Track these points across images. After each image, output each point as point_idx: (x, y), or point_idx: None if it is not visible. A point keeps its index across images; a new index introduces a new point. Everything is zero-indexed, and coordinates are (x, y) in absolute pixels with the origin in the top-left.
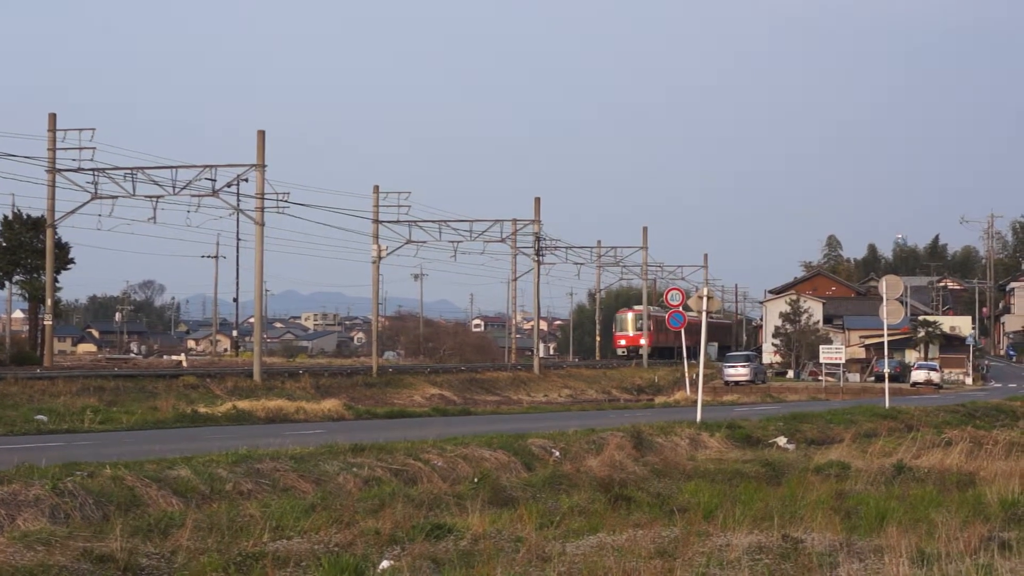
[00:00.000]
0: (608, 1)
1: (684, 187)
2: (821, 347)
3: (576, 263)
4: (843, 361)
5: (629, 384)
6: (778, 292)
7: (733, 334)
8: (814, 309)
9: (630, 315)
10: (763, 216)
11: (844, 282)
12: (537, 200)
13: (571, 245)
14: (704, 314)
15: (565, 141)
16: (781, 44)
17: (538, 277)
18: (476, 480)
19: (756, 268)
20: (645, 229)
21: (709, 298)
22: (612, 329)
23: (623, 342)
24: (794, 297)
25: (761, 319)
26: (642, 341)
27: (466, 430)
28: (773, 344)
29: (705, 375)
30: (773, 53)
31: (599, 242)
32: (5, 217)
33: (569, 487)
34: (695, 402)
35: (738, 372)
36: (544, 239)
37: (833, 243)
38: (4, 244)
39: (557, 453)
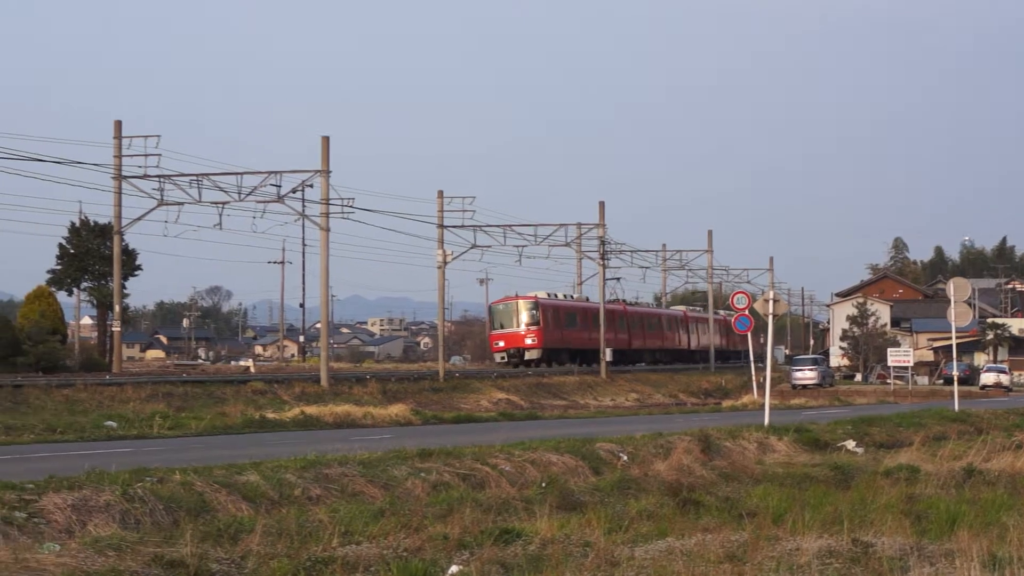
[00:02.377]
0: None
1: (751, 189)
2: (889, 350)
3: (641, 267)
4: (911, 364)
5: (696, 388)
6: (845, 295)
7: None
8: (881, 312)
9: (522, 304)
10: (829, 219)
11: (911, 284)
12: (602, 204)
13: (636, 249)
14: (771, 317)
15: (630, 143)
16: (832, 40)
17: (603, 281)
18: (544, 484)
19: (822, 271)
20: (710, 232)
21: (775, 301)
22: (488, 325)
23: (501, 343)
24: (861, 300)
25: (828, 322)
26: (529, 340)
27: (533, 434)
28: (840, 347)
29: (772, 379)
30: (817, 49)
31: (664, 245)
32: (72, 224)
33: (637, 491)
34: (763, 406)
35: (806, 375)
36: (609, 243)
37: (899, 245)
38: (72, 251)
39: (625, 457)
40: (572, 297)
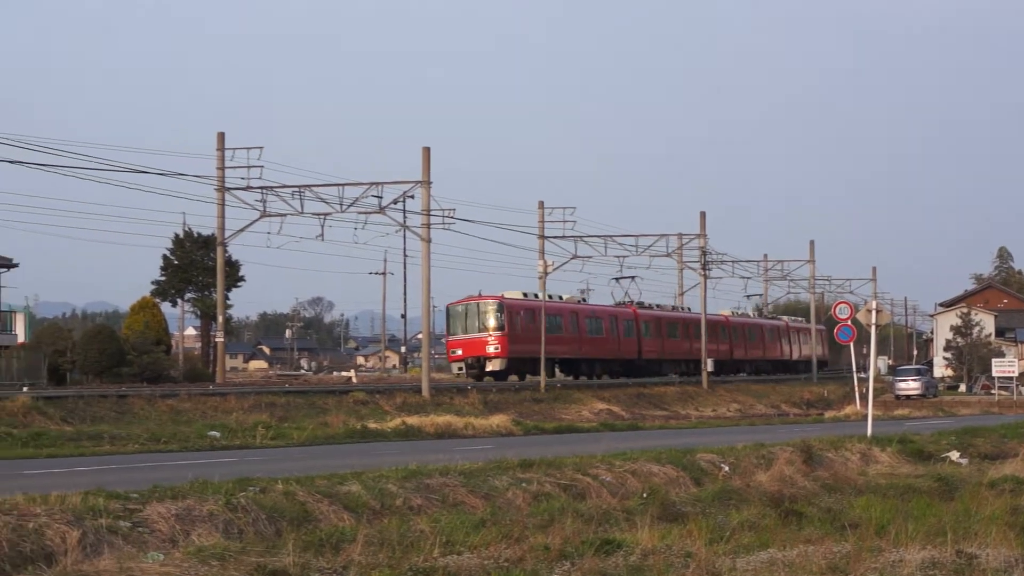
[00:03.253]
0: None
1: (852, 198)
2: (993, 360)
3: (743, 277)
4: (1016, 374)
5: (798, 399)
6: (948, 305)
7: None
8: (986, 322)
9: (483, 306)
10: (932, 228)
11: (1016, 294)
12: (702, 214)
13: (737, 259)
14: (873, 327)
15: (731, 155)
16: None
17: (704, 291)
18: (645, 495)
19: (925, 281)
20: (812, 243)
21: (878, 311)
22: (446, 330)
23: (459, 351)
24: (965, 310)
25: (931, 332)
26: (492, 348)
27: (634, 445)
28: (944, 358)
29: (875, 389)
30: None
31: (765, 256)
32: (176, 235)
33: (739, 502)
34: (865, 416)
35: (909, 386)
36: (710, 253)
37: (1004, 255)
38: (176, 262)
39: (726, 468)
40: (562, 298)
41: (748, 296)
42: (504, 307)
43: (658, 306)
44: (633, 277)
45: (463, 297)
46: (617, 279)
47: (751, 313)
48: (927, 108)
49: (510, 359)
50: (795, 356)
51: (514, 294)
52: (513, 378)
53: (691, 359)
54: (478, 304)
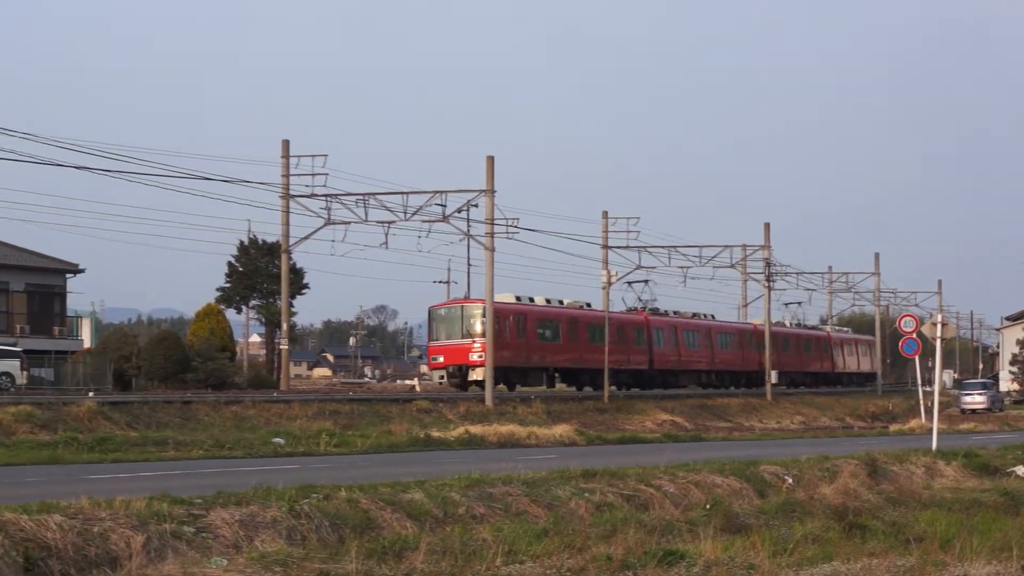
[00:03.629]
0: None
1: (918, 211)
2: None
3: (807, 289)
4: None
5: (863, 411)
6: (1015, 318)
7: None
8: None
9: (469, 309)
10: (998, 241)
11: None
12: (767, 225)
13: (801, 271)
14: (938, 341)
15: (794, 161)
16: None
17: (768, 303)
18: (708, 506)
19: (991, 294)
20: (877, 255)
21: (943, 325)
22: (428, 335)
23: (440, 358)
24: None
25: (997, 346)
26: (475, 356)
27: (697, 456)
28: (1010, 371)
29: (940, 403)
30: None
31: (830, 268)
32: (241, 243)
33: (802, 514)
34: (930, 430)
35: (974, 400)
36: (774, 264)
37: None
38: (241, 269)
39: (790, 480)
40: (562, 303)
41: (787, 304)
42: (500, 314)
43: (675, 312)
44: (647, 281)
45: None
46: (630, 283)
47: (787, 323)
48: (1000, 115)
49: (496, 368)
50: (843, 368)
51: (505, 297)
52: (502, 388)
53: (714, 370)
54: (462, 308)
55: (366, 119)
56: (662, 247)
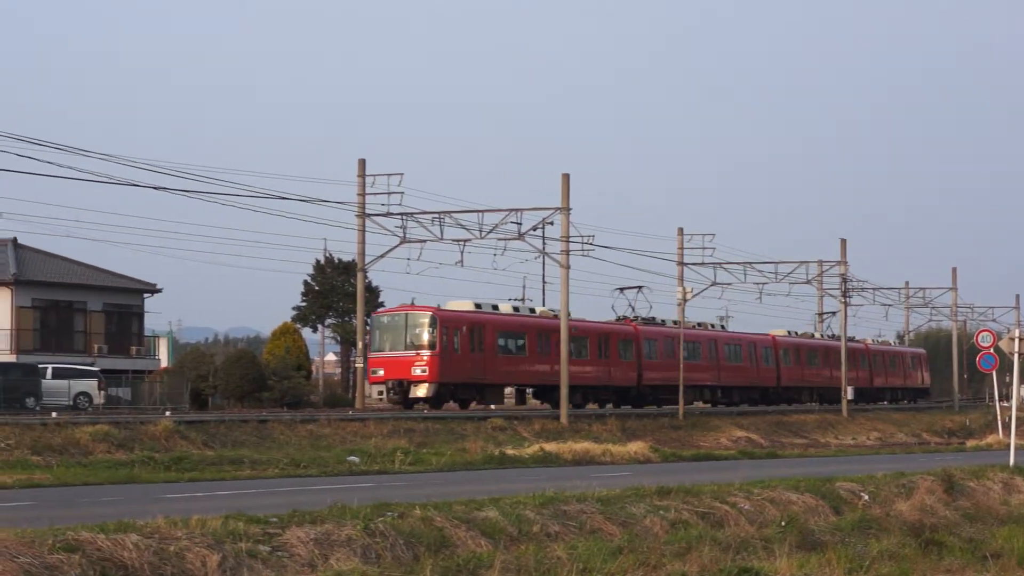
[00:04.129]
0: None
1: (996, 225)
2: None
3: (883, 304)
4: None
5: (939, 427)
6: None
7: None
8: None
9: (412, 318)
10: None
11: None
12: (843, 241)
13: (878, 287)
14: (1016, 356)
15: (870, 177)
16: None
17: (845, 319)
18: (783, 523)
19: None
20: (954, 270)
21: (1021, 339)
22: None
23: (380, 371)
24: None
25: None
26: (419, 370)
27: (773, 473)
28: None
29: (1018, 418)
30: None
31: (907, 283)
32: (317, 261)
33: (878, 531)
34: (1008, 445)
35: None
36: (850, 280)
37: None
38: (317, 288)
39: (866, 497)
40: (534, 312)
41: (820, 315)
42: (438, 321)
43: (675, 322)
44: (640, 288)
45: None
46: (621, 289)
47: (815, 334)
48: None
49: (441, 384)
50: (885, 383)
51: (461, 304)
52: (452, 404)
53: (720, 385)
54: (406, 316)
55: (442, 137)
56: (738, 263)
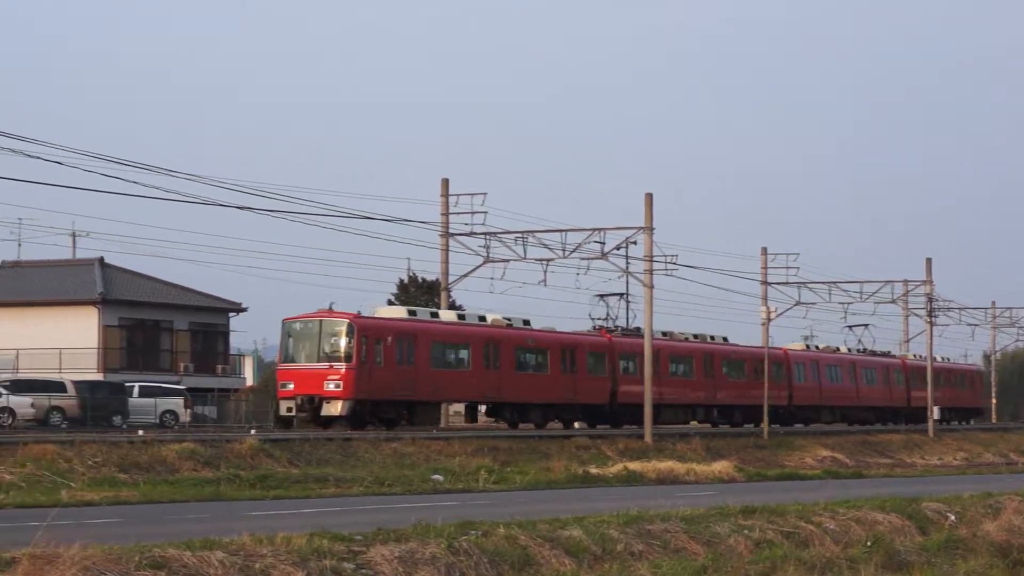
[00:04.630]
0: None
1: None
2: None
3: (970, 324)
4: None
5: None
6: None
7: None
8: None
9: (327, 325)
10: None
11: None
12: (928, 261)
13: (964, 306)
14: None
15: (957, 197)
16: None
17: (931, 339)
18: (869, 544)
19: None
20: None
21: None
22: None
23: (291, 385)
24: None
25: None
26: (332, 385)
27: (858, 493)
28: None
29: None
30: None
31: (993, 303)
32: (401, 281)
33: (965, 552)
34: None
35: None
36: (937, 300)
37: None
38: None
39: (952, 517)
40: (485, 319)
41: (850, 327)
42: (356, 329)
43: (665, 334)
44: (623, 295)
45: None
46: (602, 296)
47: (843, 348)
48: None
49: (358, 401)
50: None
51: (391, 311)
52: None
53: (715, 404)
54: (320, 323)
55: (525, 156)
56: (822, 283)
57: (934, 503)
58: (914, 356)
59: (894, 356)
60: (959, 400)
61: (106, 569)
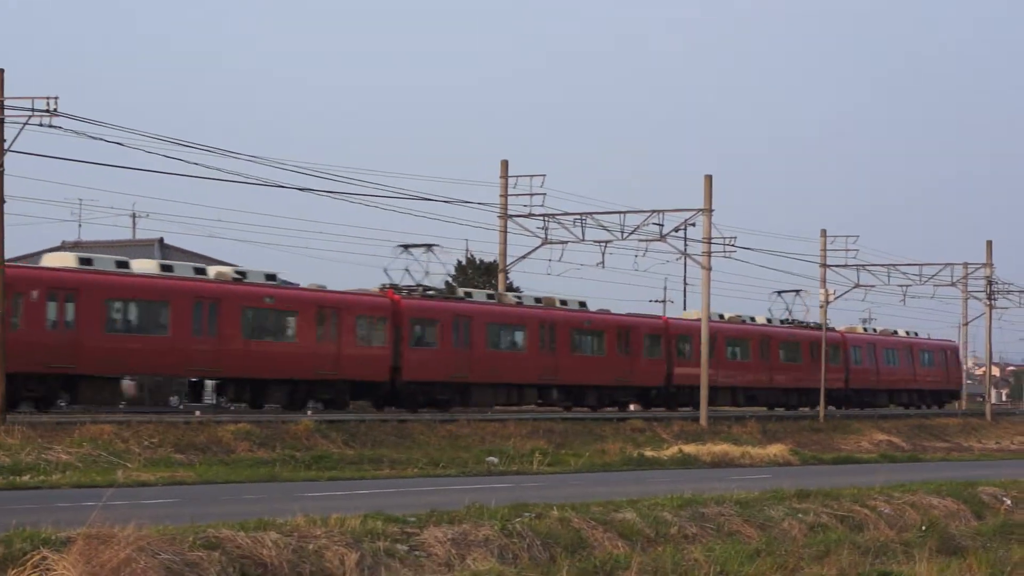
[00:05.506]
0: None
1: None
2: None
3: None
4: None
5: None
6: None
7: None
8: None
9: None
10: None
11: None
12: (989, 243)
13: None
14: None
15: (1017, 179)
16: None
17: (990, 322)
18: (924, 528)
19: None
20: None
21: None
22: None
23: None
24: None
25: None
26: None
27: (914, 477)
28: None
29: None
30: None
31: None
32: (459, 262)
33: (1021, 536)
34: None
35: None
36: (996, 283)
37: None
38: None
39: (1008, 502)
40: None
41: (779, 293)
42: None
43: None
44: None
45: None
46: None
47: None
48: None
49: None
50: (874, 382)
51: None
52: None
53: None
54: None
55: (584, 138)
56: (881, 265)
57: (990, 487)
58: (870, 329)
59: (835, 330)
60: (919, 381)
61: (160, 549)
